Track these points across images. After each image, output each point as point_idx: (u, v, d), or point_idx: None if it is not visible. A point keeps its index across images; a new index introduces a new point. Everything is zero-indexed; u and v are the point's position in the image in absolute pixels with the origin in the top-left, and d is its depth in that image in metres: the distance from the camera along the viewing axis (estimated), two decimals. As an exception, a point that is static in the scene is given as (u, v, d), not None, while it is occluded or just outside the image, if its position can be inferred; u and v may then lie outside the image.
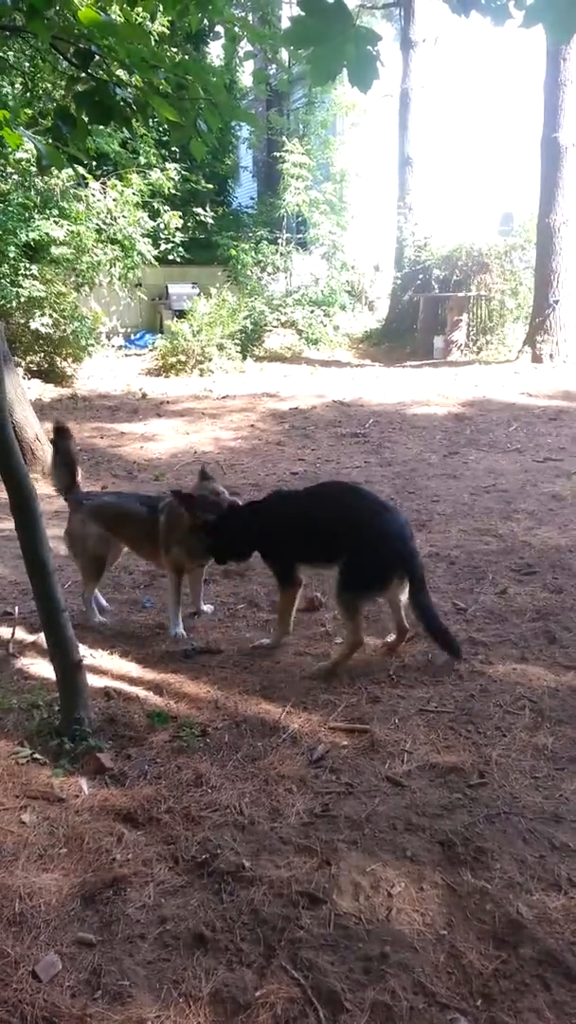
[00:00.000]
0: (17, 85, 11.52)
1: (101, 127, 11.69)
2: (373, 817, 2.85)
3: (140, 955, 2.33)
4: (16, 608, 4.61)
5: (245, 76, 19.48)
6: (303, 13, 2.40)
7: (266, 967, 2.27)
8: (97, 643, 4.29)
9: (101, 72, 3.89)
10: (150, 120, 4.97)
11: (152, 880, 2.59)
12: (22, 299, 11.68)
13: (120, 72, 4.13)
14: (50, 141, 3.93)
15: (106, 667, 4.03)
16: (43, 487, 7.13)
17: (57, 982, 2.24)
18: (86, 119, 3.62)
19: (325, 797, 2.98)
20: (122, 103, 3.66)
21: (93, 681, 3.70)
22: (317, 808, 2.91)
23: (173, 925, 2.42)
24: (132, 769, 3.16)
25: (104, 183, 13.52)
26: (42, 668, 3.96)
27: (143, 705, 3.64)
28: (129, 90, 3.78)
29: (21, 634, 4.35)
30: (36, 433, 7.65)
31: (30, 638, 4.30)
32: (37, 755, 3.24)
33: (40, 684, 3.82)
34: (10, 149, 10.34)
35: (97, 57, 3.77)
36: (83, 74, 3.75)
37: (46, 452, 7.68)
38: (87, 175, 12.76)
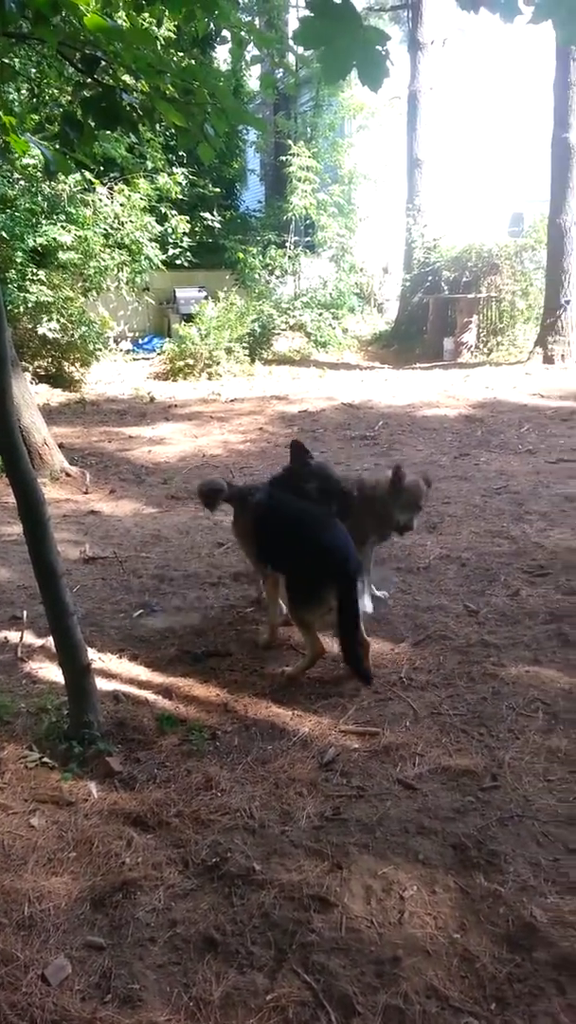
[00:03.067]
0: (24, 91, 11.57)
1: (108, 132, 11.74)
2: (384, 820, 2.83)
3: (150, 959, 2.31)
4: (24, 612, 4.62)
5: (252, 80, 19.56)
6: (311, 14, 2.40)
7: (277, 971, 2.26)
8: (106, 647, 4.28)
9: (108, 77, 3.89)
10: (157, 125, 4.96)
11: (162, 884, 2.58)
12: (29, 304, 11.70)
13: (126, 77, 4.13)
14: (57, 147, 3.94)
15: (115, 671, 4.02)
16: (51, 491, 7.15)
17: (67, 986, 2.23)
18: (93, 124, 3.61)
19: (336, 800, 2.96)
20: (129, 108, 3.66)
21: (102, 685, 3.69)
22: (328, 811, 2.89)
23: (183, 928, 2.41)
24: (141, 773, 3.16)
25: (111, 188, 13.56)
26: (51, 672, 3.96)
27: (152, 708, 3.63)
28: (136, 95, 3.78)
29: (30, 638, 4.36)
30: (44, 438, 7.66)
31: (39, 642, 4.30)
32: (46, 759, 3.24)
33: (49, 688, 3.81)
34: (17, 155, 10.37)
35: (103, 63, 3.77)
36: (90, 79, 3.76)
37: (54, 457, 7.71)
38: (94, 180, 12.79)
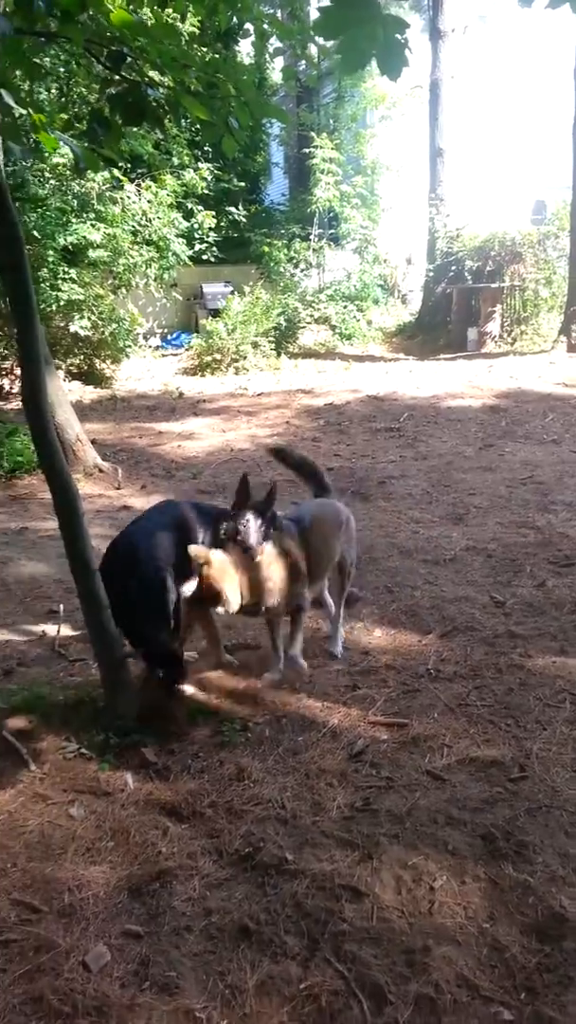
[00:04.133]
0: (52, 90, 11.66)
1: (134, 129, 11.80)
2: (414, 811, 2.86)
3: (187, 947, 2.37)
4: (61, 606, 4.70)
5: (275, 73, 19.49)
6: (331, 3, 2.41)
7: (310, 959, 2.30)
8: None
9: (133, 73, 3.93)
10: (182, 120, 5.00)
11: (197, 873, 2.63)
12: (61, 303, 11.81)
13: (152, 73, 4.16)
14: (86, 144, 3.99)
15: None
16: (84, 487, 7.24)
17: (106, 972, 2.29)
18: (120, 120, 3.66)
19: (366, 791, 2.99)
20: (154, 103, 3.70)
21: (136, 677, 3.76)
22: (358, 802, 2.93)
23: (218, 917, 2.46)
24: (175, 763, 3.22)
25: (139, 185, 13.63)
26: (87, 664, 4.05)
27: (185, 700, 3.69)
28: (161, 90, 3.82)
29: (67, 631, 4.44)
30: (77, 434, 7.77)
31: (75, 635, 4.38)
32: (83, 750, 3.31)
33: (85, 680, 3.90)
34: (47, 153, 10.46)
35: (129, 59, 3.80)
36: (116, 76, 3.80)
37: (87, 453, 7.81)
38: (122, 177, 12.87)
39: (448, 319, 16.05)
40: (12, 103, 3.54)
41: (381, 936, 2.36)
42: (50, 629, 4.47)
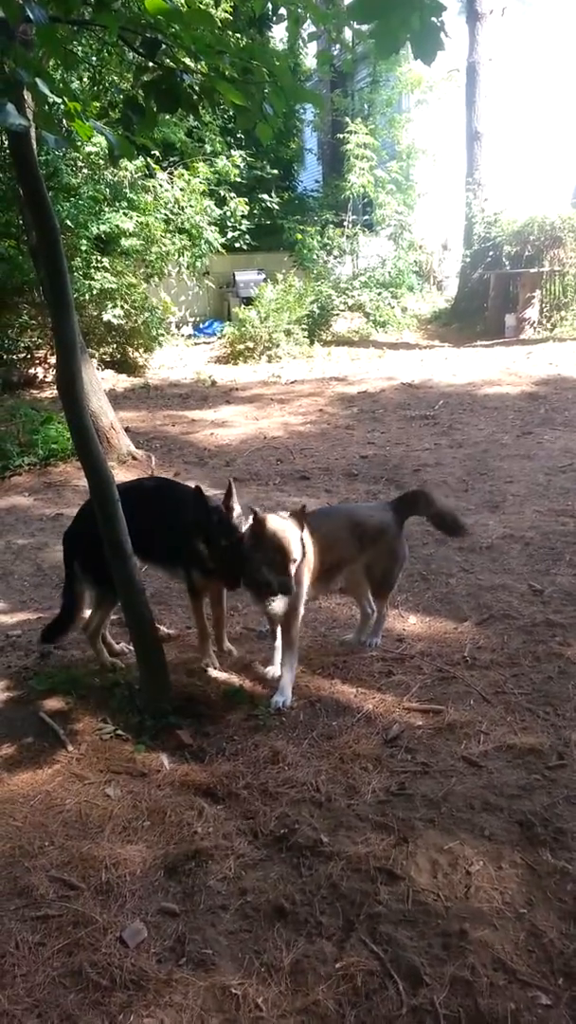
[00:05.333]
0: (85, 79, 11.70)
1: (168, 117, 11.79)
2: (450, 796, 2.85)
3: (222, 925, 2.39)
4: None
5: (308, 59, 19.34)
6: (367, -14, 2.38)
7: (345, 940, 2.31)
8: (173, 624, 4.39)
9: (168, 60, 3.92)
10: (215, 107, 4.98)
11: (232, 853, 2.65)
12: (94, 291, 11.89)
13: (186, 60, 4.15)
14: (120, 131, 3.99)
15: (183, 648, 4.12)
16: (118, 474, 7.30)
17: (143, 948, 2.33)
18: (154, 107, 3.65)
19: (401, 776, 2.99)
20: (189, 90, 3.69)
21: (171, 660, 3.79)
22: (393, 787, 2.93)
23: (254, 897, 2.47)
24: (211, 746, 3.24)
25: (171, 173, 13.64)
26: (123, 648, 4.09)
27: (220, 684, 3.71)
28: (196, 76, 3.80)
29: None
30: (111, 422, 7.84)
31: (111, 619, 4.41)
32: (119, 731, 3.35)
33: (121, 663, 3.94)
34: (81, 141, 10.50)
35: (164, 45, 3.80)
36: (150, 63, 3.79)
37: (120, 440, 7.87)
38: (155, 166, 12.89)
39: (485, 305, 15.83)
40: (47, 91, 3.55)
41: (417, 919, 2.35)
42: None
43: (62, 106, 4.14)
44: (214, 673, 3.78)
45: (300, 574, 3.48)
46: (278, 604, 3.47)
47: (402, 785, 2.93)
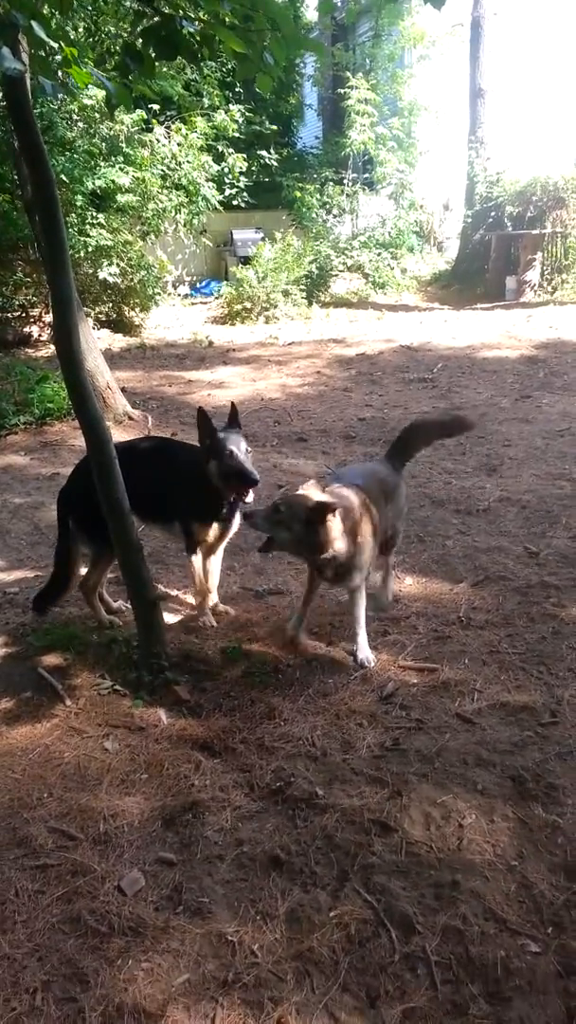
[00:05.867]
0: (81, 28, 11.38)
1: (165, 68, 11.50)
2: (443, 752, 2.89)
3: (219, 875, 2.43)
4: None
5: (309, 11, 18.85)
6: None
7: (339, 890, 2.35)
8: (172, 583, 4.40)
9: (167, 6, 3.81)
10: (216, 55, 4.85)
11: (229, 805, 2.69)
12: (90, 249, 11.68)
13: (185, 6, 4.04)
14: (118, 80, 3.89)
15: (179, 606, 4.14)
16: (115, 434, 7.26)
17: (141, 897, 2.37)
18: (153, 55, 3.56)
19: (395, 732, 3.02)
20: (189, 37, 3.59)
21: (168, 618, 3.81)
22: (388, 742, 2.97)
23: (250, 848, 2.52)
24: (207, 702, 3.27)
25: (168, 127, 13.34)
26: (120, 605, 4.10)
27: (216, 642, 3.73)
28: (195, 23, 3.70)
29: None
30: (107, 382, 7.77)
31: (108, 576, 4.42)
32: (117, 687, 3.38)
33: (118, 620, 3.96)
34: (78, 89, 10.25)
35: (163, -9, 3.69)
36: (149, 9, 3.69)
37: (117, 400, 7.81)
38: (152, 120, 12.60)
39: (486, 267, 15.65)
40: (44, 35, 3.46)
41: (410, 869, 2.40)
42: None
43: (59, 52, 4.04)
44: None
45: (366, 542, 3.51)
46: (356, 578, 3.51)
47: (396, 740, 2.97)
